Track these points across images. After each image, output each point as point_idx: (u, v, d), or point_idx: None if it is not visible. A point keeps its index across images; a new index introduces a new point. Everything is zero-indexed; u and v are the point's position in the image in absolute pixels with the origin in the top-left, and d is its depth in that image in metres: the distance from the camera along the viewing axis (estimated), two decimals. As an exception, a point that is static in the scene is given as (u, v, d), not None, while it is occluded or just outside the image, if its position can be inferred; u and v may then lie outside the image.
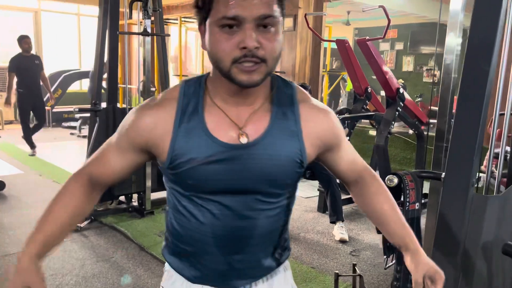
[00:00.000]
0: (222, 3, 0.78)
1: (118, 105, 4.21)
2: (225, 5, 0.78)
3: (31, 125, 6.14)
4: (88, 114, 8.21)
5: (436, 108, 6.57)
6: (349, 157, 1.02)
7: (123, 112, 3.82)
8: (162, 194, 4.06)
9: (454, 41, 1.84)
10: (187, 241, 0.96)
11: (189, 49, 9.96)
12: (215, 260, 0.95)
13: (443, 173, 1.47)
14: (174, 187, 0.93)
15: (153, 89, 4.05)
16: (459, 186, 1.38)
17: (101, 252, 3.05)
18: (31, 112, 6.09)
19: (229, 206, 0.90)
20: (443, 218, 1.42)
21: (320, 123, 0.93)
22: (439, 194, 1.80)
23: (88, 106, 3.87)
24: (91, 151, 3.51)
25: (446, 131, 1.90)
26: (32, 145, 6.04)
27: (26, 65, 5.78)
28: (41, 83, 6.05)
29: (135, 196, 3.96)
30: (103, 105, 3.82)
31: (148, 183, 3.79)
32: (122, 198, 3.97)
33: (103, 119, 3.62)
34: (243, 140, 0.86)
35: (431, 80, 6.82)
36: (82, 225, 3.44)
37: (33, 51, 6.11)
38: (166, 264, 1.04)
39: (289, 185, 0.94)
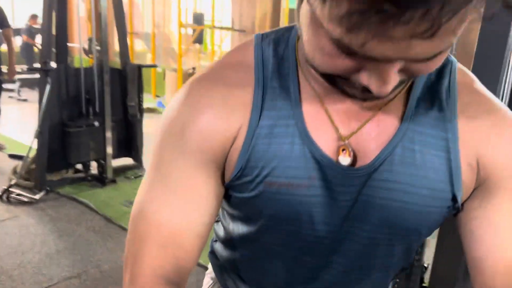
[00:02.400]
0: (337, 19, 0.36)
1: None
2: (351, 29, 0.36)
3: None
4: (30, 76, 7.67)
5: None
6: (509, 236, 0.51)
7: (77, 72, 3.47)
8: (124, 161, 3.82)
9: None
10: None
11: (136, 5, 9.32)
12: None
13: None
14: (227, 209, 0.61)
15: (97, 47, 3.65)
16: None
17: (63, 226, 2.81)
18: None
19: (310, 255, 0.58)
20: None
21: (486, 131, 0.50)
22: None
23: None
24: (43, 117, 3.17)
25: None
26: None
27: None
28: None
29: (93, 164, 3.69)
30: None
31: (109, 150, 3.53)
32: (79, 166, 3.69)
33: (55, 80, 3.26)
34: (344, 160, 0.50)
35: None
36: (37, 197, 3.15)
37: None
38: (210, 268, 0.76)
39: (429, 231, 0.56)
